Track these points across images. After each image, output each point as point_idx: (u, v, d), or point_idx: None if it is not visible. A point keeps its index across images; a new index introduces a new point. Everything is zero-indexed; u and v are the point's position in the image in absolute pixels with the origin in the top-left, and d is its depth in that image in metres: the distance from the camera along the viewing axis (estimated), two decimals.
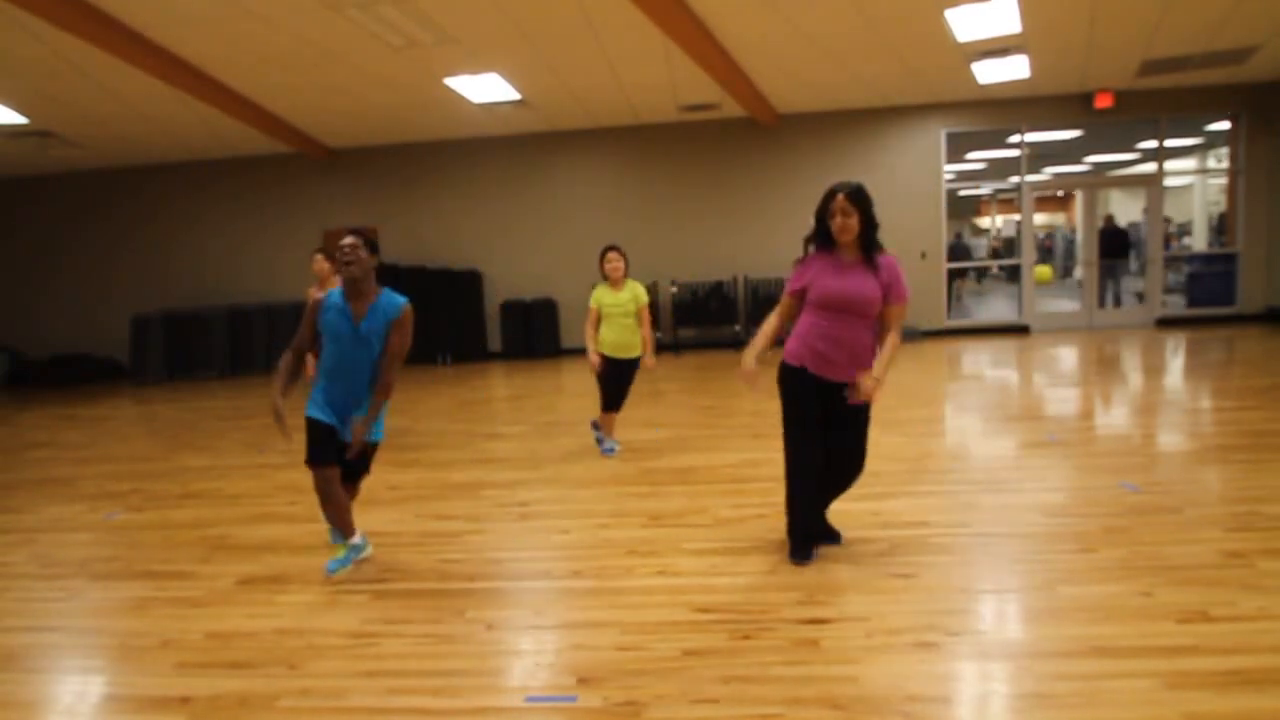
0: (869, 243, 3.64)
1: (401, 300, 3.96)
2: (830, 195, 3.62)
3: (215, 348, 13.17)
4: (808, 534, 3.89)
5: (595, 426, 6.32)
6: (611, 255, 5.99)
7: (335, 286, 6.44)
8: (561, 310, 13.43)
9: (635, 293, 5.99)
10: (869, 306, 3.62)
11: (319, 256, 6.51)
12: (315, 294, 6.52)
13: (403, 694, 2.88)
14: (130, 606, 3.82)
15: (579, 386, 10.52)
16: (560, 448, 6.62)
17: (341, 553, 4.15)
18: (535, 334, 13.35)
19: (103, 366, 13.87)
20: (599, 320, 6.02)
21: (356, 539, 4.18)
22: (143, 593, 3.98)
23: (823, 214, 3.65)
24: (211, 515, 5.25)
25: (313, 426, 3.95)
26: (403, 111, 11.71)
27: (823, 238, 3.68)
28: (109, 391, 12.30)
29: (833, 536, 4.01)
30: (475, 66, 10.04)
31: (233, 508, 5.40)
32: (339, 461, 3.98)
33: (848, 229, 3.58)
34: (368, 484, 5.74)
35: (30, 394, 12.51)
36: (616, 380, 6.09)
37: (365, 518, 4.94)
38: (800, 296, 3.78)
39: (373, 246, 3.99)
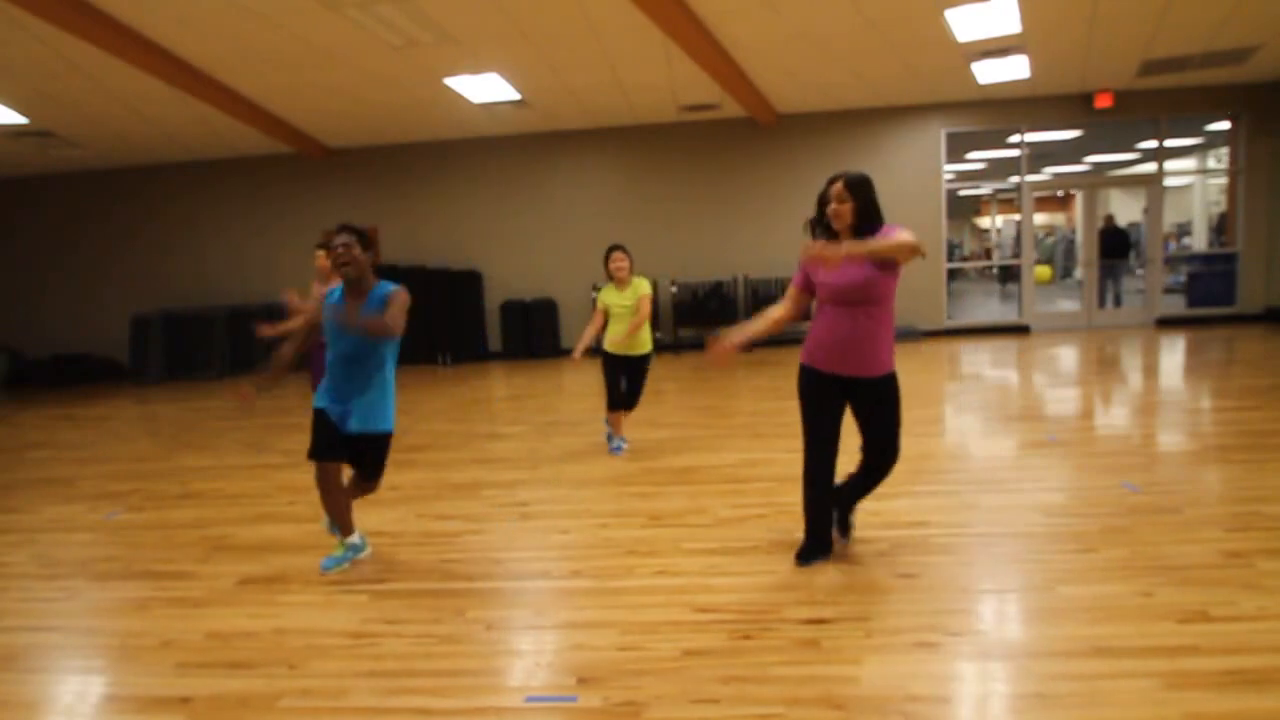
0: (865, 233, 3.54)
1: (392, 285, 3.98)
2: (829, 182, 3.61)
3: (215, 348, 13.17)
4: (819, 537, 3.87)
5: (608, 423, 6.35)
6: (616, 255, 6.00)
7: (334, 284, 6.49)
8: (561, 310, 13.43)
9: (640, 288, 6.02)
10: (871, 292, 3.54)
11: (321, 253, 6.51)
12: (319, 290, 6.59)
13: (403, 694, 2.88)
14: (130, 606, 3.82)
15: (579, 387, 10.52)
16: (560, 448, 6.62)
17: (339, 551, 4.17)
18: (535, 334, 13.35)
19: (103, 366, 13.87)
20: (605, 321, 6.06)
21: (355, 539, 4.19)
22: (143, 593, 3.98)
23: (823, 199, 3.63)
24: (211, 515, 5.25)
25: (318, 418, 3.98)
26: (403, 111, 11.71)
27: (823, 225, 3.66)
28: (109, 391, 12.30)
29: (845, 528, 3.97)
30: (475, 66, 10.04)
31: (233, 508, 5.40)
32: (346, 459, 4.03)
33: (840, 215, 3.56)
34: None
35: (30, 394, 12.51)
36: (620, 378, 6.13)
37: (365, 517, 4.94)
38: (804, 289, 3.74)
39: (366, 242, 3.97)
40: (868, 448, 3.80)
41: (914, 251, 3.43)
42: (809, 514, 3.86)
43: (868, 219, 3.56)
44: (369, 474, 4.18)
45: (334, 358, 3.99)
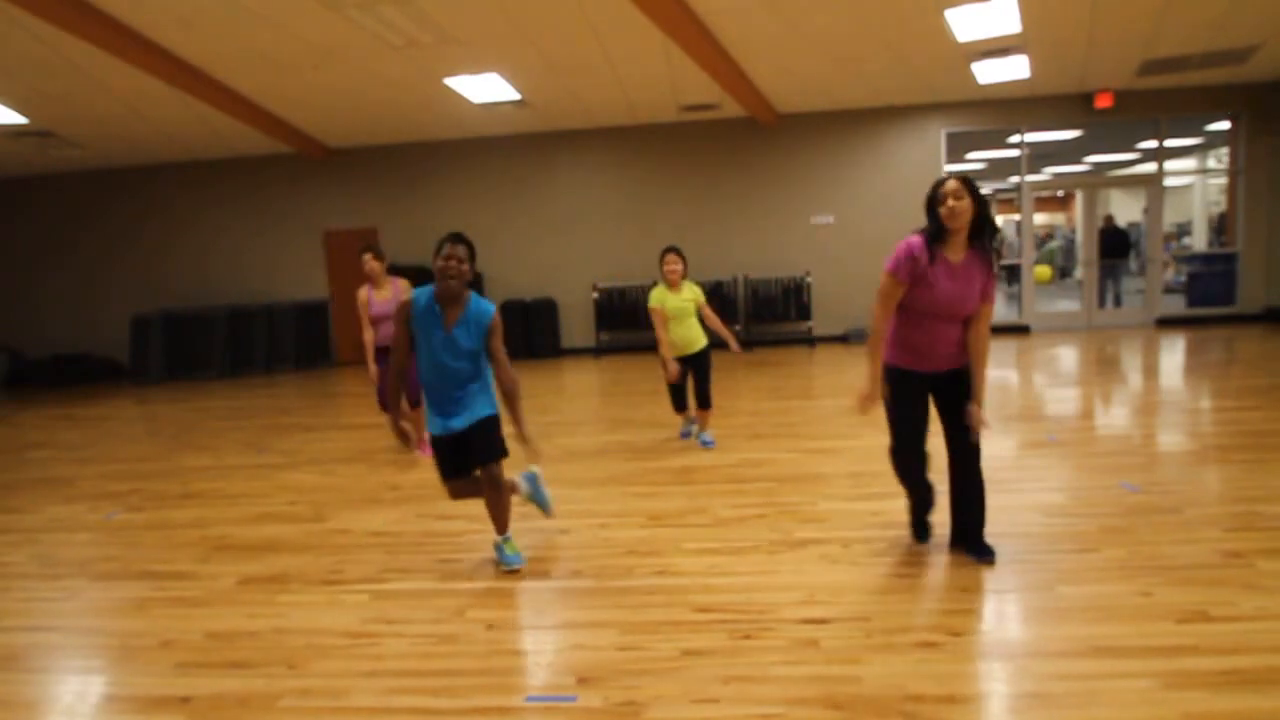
0: (981, 231, 3.52)
1: (491, 308, 3.93)
2: (939, 182, 3.53)
3: (215, 348, 13.17)
4: (925, 514, 3.99)
5: (689, 422, 6.55)
6: (670, 258, 6.09)
7: (384, 286, 6.46)
8: (561, 310, 13.43)
9: (694, 293, 6.15)
10: (970, 309, 3.63)
11: (368, 256, 6.45)
12: (364, 295, 6.54)
13: (403, 694, 2.88)
14: (130, 606, 3.82)
15: (579, 387, 10.53)
16: (560, 448, 6.62)
17: (527, 491, 4.32)
18: (535, 334, 13.35)
19: (103, 366, 13.87)
20: (667, 322, 6.06)
21: (523, 485, 4.30)
22: (143, 593, 3.98)
23: (932, 203, 3.52)
24: (211, 515, 5.25)
25: (435, 444, 4.03)
26: (403, 111, 11.71)
27: (935, 230, 3.52)
28: (109, 391, 12.30)
29: (984, 552, 3.77)
30: (475, 66, 10.04)
31: (233, 508, 5.40)
32: (469, 466, 4.01)
33: (960, 212, 3.43)
34: (369, 484, 5.76)
35: (30, 394, 12.51)
36: (684, 382, 6.27)
37: (367, 518, 4.96)
38: (901, 284, 3.56)
39: (473, 254, 3.93)
40: (958, 439, 3.80)
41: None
42: (913, 494, 3.95)
43: (985, 215, 3.51)
44: (483, 456, 3.96)
45: (425, 369, 3.93)
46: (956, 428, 3.78)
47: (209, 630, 3.48)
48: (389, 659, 3.14)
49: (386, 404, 6.59)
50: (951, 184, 3.48)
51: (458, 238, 3.89)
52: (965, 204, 3.44)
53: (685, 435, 6.59)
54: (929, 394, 3.80)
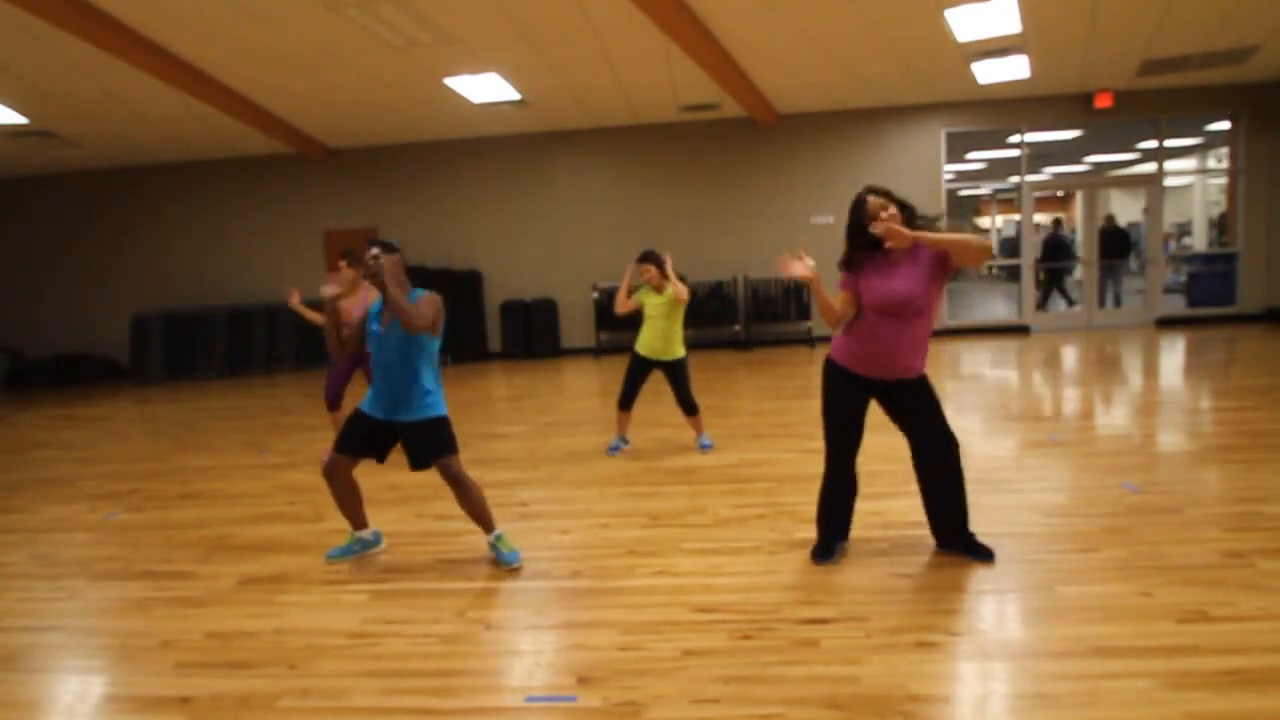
0: (912, 226, 3.52)
1: (420, 292, 4.03)
2: (860, 203, 3.51)
3: (215, 348, 13.16)
4: (834, 534, 3.91)
5: (622, 435, 6.38)
6: (642, 268, 6.08)
7: (355, 292, 6.49)
8: (561, 310, 13.43)
9: (675, 291, 6.13)
10: (920, 304, 3.55)
11: (343, 264, 6.47)
12: (331, 291, 6.51)
13: (403, 694, 2.88)
14: (130, 606, 3.82)
15: (579, 387, 10.53)
16: (560, 448, 6.62)
17: (345, 540, 4.28)
18: (535, 334, 13.36)
19: (103, 366, 13.87)
20: (639, 306, 6.18)
21: (365, 534, 4.28)
22: (143, 593, 3.98)
23: (859, 221, 3.52)
24: (211, 515, 5.25)
25: (353, 417, 4.09)
26: (403, 111, 11.71)
27: (866, 244, 3.53)
28: (109, 391, 12.30)
29: (978, 550, 3.76)
30: (475, 66, 10.04)
31: (233, 508, 5.40)
32: (377, 454, 4.10)
33: (895, 218, 3.46)
34: (368, 484, 5.74)
35: (30, 394, 12.51)
36: (641, 380, 6.22)
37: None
38: (854, 291, 3.63)
39: (389, 247, 3.99)
40: (922, 444, 3.75)
41: (983, 251, 3.38)
42: (828, 510, 3.89)
43: (910, 212, 3.55)
44: (434, 451, 4.00)
45: (377, 371, 4.07)
46: (921, 434, 3.75)
47: (209, 630, 3.48)
48: (389, 659, 3.14)
49: (333, 403, 6.58)
50: (874, 200, 3.49)
51: (372, 243, 3.99)
52: (895, 209, 3.48)
53: (613, 450, 6.27)
54: (867, 404, 3.74)
